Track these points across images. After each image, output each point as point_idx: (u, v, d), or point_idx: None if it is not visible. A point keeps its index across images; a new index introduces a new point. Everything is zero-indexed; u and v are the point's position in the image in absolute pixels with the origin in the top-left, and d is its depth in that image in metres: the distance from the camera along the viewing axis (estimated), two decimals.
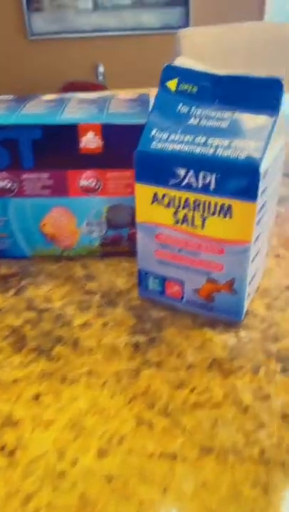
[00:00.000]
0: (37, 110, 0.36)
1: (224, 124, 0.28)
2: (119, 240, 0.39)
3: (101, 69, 3.09)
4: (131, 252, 0.39)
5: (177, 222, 0.30)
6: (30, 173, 0.35)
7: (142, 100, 0.38)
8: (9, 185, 0.36)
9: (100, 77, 3.10)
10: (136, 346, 0.30)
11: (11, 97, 0.40)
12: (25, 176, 0.36)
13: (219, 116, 0.29)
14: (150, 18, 3.05)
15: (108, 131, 0.34)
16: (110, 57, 3.08)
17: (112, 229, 0.38)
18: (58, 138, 0.34)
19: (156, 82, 3.06)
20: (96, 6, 2.95)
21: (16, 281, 0.37)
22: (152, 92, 0.40)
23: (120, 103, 0.37)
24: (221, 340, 0.31)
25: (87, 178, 0.36)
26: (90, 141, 0.34)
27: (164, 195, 0.29)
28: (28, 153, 0.35)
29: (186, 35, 1.03)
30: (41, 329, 0.32)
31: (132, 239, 0.39)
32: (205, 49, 1.00)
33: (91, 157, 0.35)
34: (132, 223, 0.38)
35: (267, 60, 1.20)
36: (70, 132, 0.34)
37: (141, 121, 0.34)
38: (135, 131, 0.34)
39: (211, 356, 0.29)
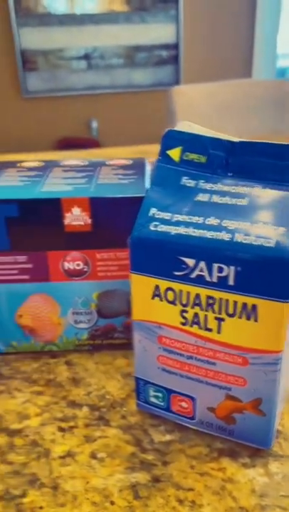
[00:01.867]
0: (13, 182, 0.30)
1: (242, 202, 0.23)
2: (112, 331, 0.32)
3: (94, 124, 3.15)
4: (126, 345, 0.33)
5: (185, 323, 0.23)
6: (5, 255, 0.29)
7: (137, 167, 0.33)
8: None
9: (94, 133, 3.16)
10: (135, 492, 0.23)
11: None
12: None
13: (235, 192, 0.23)
14: (141, 76, 3.16)
15: (97, 206, 0.28)
16: (103, 114, 3.15)
17: (104, 318, 0.32)
18: (38, 215, 0.28)
19: (148, 138, 3.12)
20: (90, 66, 3.05)
21: None
22: (149, 157, 0.35)
23: (111, 171, 0.32)
24: (246, 480, 0.23)
25: (72, 261, 0.30)
26: (75, 217, 0.29)
27: (167, 289, 0.23)
28: (2, 232, 0.29)
29: (178, 92, 1.02)
30: (11, 463, 0.24)
31: (127, 329, 0.32)
32: (198, 105, 0.99)
33: (77, 236, 0.29)
34: (129, 311, 0.31)
35: (259, 115, 1.19)
36: (52, 208, 0.28)
37: (136, 193, 0.28)
38: (129, 205, 0.28)
39: (236, 506, 0.22)
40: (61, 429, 0.26)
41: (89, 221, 0.29)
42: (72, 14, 2.94)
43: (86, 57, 3.05)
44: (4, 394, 0.29)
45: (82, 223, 0.29)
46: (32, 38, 2.96)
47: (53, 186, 0.30)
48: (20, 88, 2.95)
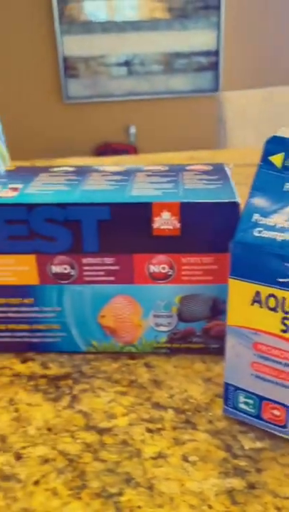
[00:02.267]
0: (101, 186, 0.31)
1: None
2: (191, 335, 0.32)
3: (133, 130, 3.18)
4: (204, 350, 0.33)
5: (286, 330, 0.23)
6: (93, 257, 0.30)
7: (219, 173, 0.33)
8: (67, 270, 0.30)
9: (132, 138, 3.19)
10: (232, 497, 0.23)
11: (66, 168, 0.36)
12: (86, 260, 0.30)
13: None
14: (180, 82, 3.17)
15: (187, 211, 0.29)
16: (141, 120, 3.17)
17: (185, 322, 0.32)
18: (128, 218, 0.29)
19: (186, 144, 3.12)
20: (130, 72, 3.09)
21: (68, 386, 0.30)
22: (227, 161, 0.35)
23: (194, 176, 0.32)
24: None
25: (157, 264, 0.30)
26: (164, 221, 0.29)
27: (269, 296, 0.23)
28: (93, 235, 0.29)
29: (229, 99, 1.02)
30: (105, 461, 0.25)
31: (207, 334, 0.32)
32: (250, 112, 0.98)
33: (164, 240, 0.29)
34: (210, 316, 0.32)
35: None
36: (143, 212, 0.29)
37: (227, 199, 0.29)
38: (220, 211, 0.29)
39: None
40: (149, 431, 0.27)
41: (178, 225, 0.29)
42: (114, 21, 2.98)
43: (126, 63, 3.09)
44: (89, 392, 0.30)
45: (170, 227, 0.29)
46: (74, 45, 3.02)
47: (142, 191, 0.30)
48: (61, 94, 3.02)
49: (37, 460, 0.25)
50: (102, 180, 0.32)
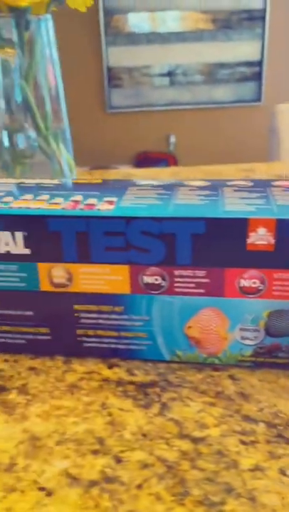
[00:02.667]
0: (193, 201, 0.32)
1: None
2: (277, 350, 0.33)
3: (172, 139, 3.21)
4: None
5: None
6: (185, 269, 0.31)
7: None
8: (158, 281, 0.31)
9: (171, 147, 3.21)
10: None
11: (151, 182, 0.37)
12: (178, 272, 0.31)
13: None
14: (222, 92, 3.17)
15: (283, 227, 0.29)
16: (182, 129, 3.19)
17: (271, 337, 0.32)
18: (222, 233, 0.30)
19: (228, 154, 3.11)
20: (172, 82, 3.11)
21: (157, 393, 0.31)
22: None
23: (283, 192, 0.33)
24: None
25: (249, 278, 0.31)
26: (259, 237, 0.30)
27: None
28: (186, 248, 0.30)
29: (283, 110, 1.01)
30: (203, 470, 0.25)
31: None
32: None
33: (257, 255, 0.30)
34: None
35: None
36: (238, 227, 0.30)
37: None
38: None
39: None
40: (243, 443, 0.27)
41: (272, 241, 0.30)
42: (159, 33, 3.02)
43: (169, 74, 3.13)
44: (177, 401, 0.30)
45: (265, 243, 0.30)
46: (119, 56, 3.08)
47: (235, 206, 0.31)
48: (104, 103, 3.08)
49: (136, 464, 0.26)
50: (192, 195, 0.33)
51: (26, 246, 0.32)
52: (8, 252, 0.32)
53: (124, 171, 0.88)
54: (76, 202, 0.33)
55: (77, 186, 0.36)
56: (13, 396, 0.31)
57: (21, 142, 0.53)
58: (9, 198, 0.34)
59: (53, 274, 0.33)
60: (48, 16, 0.53)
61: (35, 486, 0.25)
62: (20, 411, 0.30)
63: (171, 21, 3.04)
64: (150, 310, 0.32)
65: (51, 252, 0.32)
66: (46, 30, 0.53)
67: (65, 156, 0.58)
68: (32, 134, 0.53)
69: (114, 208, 0.31)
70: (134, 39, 3.07)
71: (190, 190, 0.34)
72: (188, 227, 0.30)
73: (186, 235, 0.30)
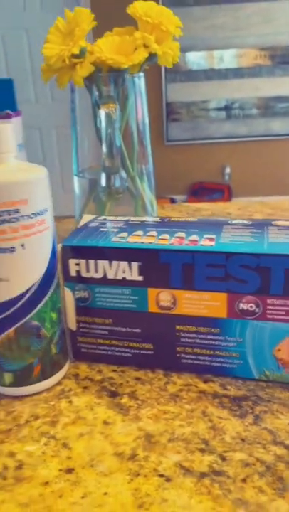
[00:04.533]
0: (283, 239, 0.37)
1: None
2: None
3: (228, 170, 3.27)
4: None
5: None
6: (277, 298, 0.36)
7: None
8: (253, 308, 0.37)
9: (226, 178, 3.28)
10: None
11: (242, 221, 0.43)
12: (271, 301, 0.36)
13: None
14: (279, 125, 3.21)
15: None
16: (237, 161, 3.25)
17: None
18: None
19: (282, 186, 3.12)
20: (228, 116, 3.21)
21: (250, 406, 0.36)
22: None
23: None
24: None
25: None
26: None
27: None
28: (279, 280, 0.35)
29: None
30: None
31: None
32: None
33: None
34: None
35: None
36: None
37: None
38: None
39: None
40: None
41: None
42: (218, 69, 3.15)
43: (226, 108, 3.22)
44: (269, 414, 0.35)
45: None
46: (177, 92, 3.23)
47: None
48: (163, 136, 3.21)
49: (239, 463, 0.31)
50: (282, 234, 0.38)
51: (140, 274, 0.38)
52: (124, 278, 0.39)
53: (194, 205, 0.94)
54: (181, 238, 0.39)
55: (178, 224, 0.43)
56: (125, 400, 0.37)
57: (117, 182, 0.60)
58: (124, 234, 0.41)
59: (160, 298, 0.39)
60: (141, 74, 0.62)
61: (156, 473, 0.30)
62: (134, 413, 0.36)
63: (229, 58, 3.16)
64: (243, 333, 0.37)
65: (160, 279, 0.38)
66: (139, 86, 0.61)
67: (148, 195, 0.65)
68: (124, 174, 0.61)
69: (216, 244, 0.37)
70: (192, 76, 3.21)
71: (279, 229, 0.40)
72: (282, 263, 0.35)
73: (280, 269, 0.35)
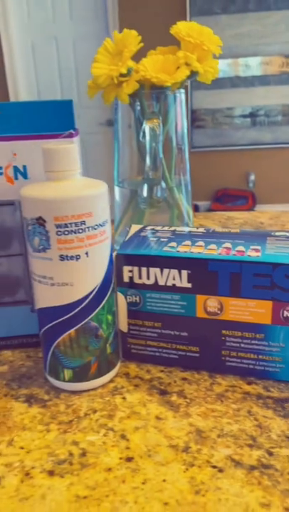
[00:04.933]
0: None
1: None
2: None
3: (252, 177, 3.28)
4: None
5: None
6: None
7: None
8: None
9: (250, 185, 3.28)
10: None
11: (284, 233, 0.45)
12: None
13: None
14: None
15: None
16: (261, 168, 3.26)
17: None
18: None
19: None
20: (254, 123, 3.22)
21: None
22: None
23: None
24: None
25: None
26: None
27: None
28: None
29: None
30: None
31: None
32: None
33: None
34: None
35: None
36: None
37: None
38: None
39: None
40: None
41: None
42: (244, 77, 3.16)
43: (251, 115, 3.24)
44: None
45: None
46: (202, 99, 3.25)
47: None
48: (188, 143, 3.24)
49: (286, 458, 0.33)
50: None
51: (189, 281, 0.41)
52: (174, 285, 0.42)
53: (225, 214, 0.96)
54: (228, 248, 0.42)
55: (223, 235, 0.45)
56: (174, 398, 0.40)
57: (158, 192, 0.64)
58: (173, 243, 0.44)
59: (208, 304, 0.41)
60: (182, 90, 0.65)
61: (209, 465, 0.33)
62: (183, 410, 0.39)
63: (254, 66, 3.17)
64: (287, 339, 0.40)
65: (208, 286, 0.41)
66: (180, 101, 0.65)
67: (185, 206, 0.68)
68: (164, 185, 0.65)
69: (262, 255, 0.40)
70: (218, 83, 3.24)
71: None
72: None
73: None
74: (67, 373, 0.41)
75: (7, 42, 3.39)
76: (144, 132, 0.61)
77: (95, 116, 3.48)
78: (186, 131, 0.67)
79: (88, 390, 0.42)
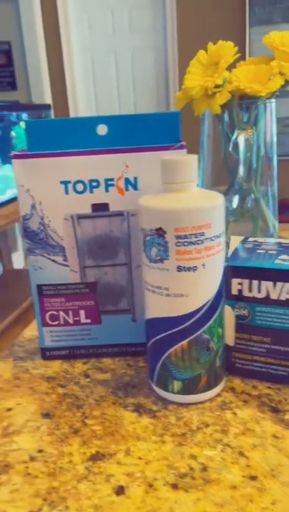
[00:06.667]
0: None
1: None
2: None
3: None
4: None
5: None
6: None
7: None
8: None
9: None
10: None
11: None
12: None
13: None
14: None
15: None
16: None
17: None
18: None
19: None
20: None
21: None
22: None
23: None
24: None
25: None
26: None
27: None
28: None
29: None
30: None
31: None
32: None
33: None
34: None
35: None
36: None
37: None
38: None
39: None
40: None
41: None
42: None
43: None
44: None
45: None
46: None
47: None
48: None
49: None
50: None
51: None
52: (287, 299, 0.41)
53: None
54: None
55: None
56: (288, 417, 0.39)
57: (249, 203, 0.63)
58: (285, 256, 0.43)
59: None
60: (273, 100, 0.64)
61: None
62: None
63: None
64: None
65: None
66: (271, 110, 0.64)
67: (271, 217, 0.67)
68: (253, 196, 0.63)
69: None
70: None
71: None
72: None
73: None
74: (177, 385, 0.40)
75: (68, 60, 3.52)
76: (234, 143, 0.60)
77: None
78: (275, 139, 0.65)
79: (196, 403, 0.41)
